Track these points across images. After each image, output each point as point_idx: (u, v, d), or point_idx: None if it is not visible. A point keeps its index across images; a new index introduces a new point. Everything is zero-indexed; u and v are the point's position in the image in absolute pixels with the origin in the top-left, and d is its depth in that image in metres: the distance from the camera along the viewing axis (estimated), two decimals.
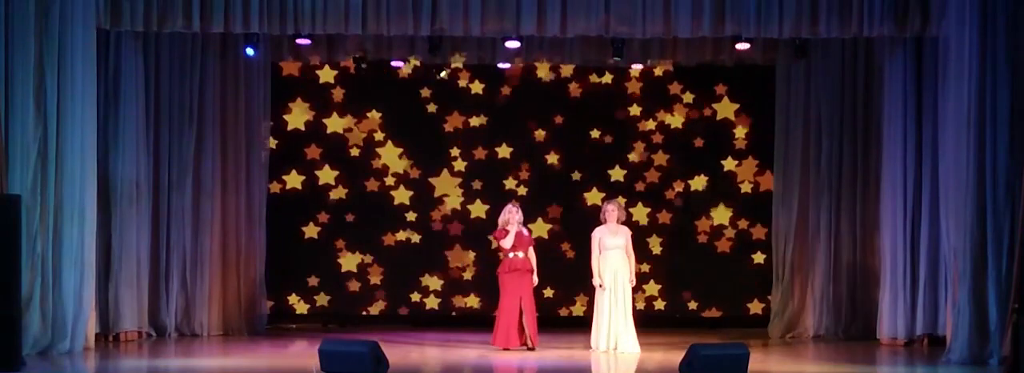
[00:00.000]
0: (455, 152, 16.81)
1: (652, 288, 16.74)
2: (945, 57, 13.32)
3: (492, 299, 16.57)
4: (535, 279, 14.10)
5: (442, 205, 16.83)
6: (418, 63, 16.39)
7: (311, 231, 16.72)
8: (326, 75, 16.73)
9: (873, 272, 15.24)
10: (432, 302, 16.81)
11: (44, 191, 12.95)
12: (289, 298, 16.71)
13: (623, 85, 16.82)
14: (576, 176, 16.83)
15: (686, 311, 16.83)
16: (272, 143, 16.36)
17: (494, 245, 14.56)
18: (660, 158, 16.85)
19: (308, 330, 16.15)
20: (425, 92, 16.78)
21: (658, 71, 16.67)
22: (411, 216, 16.79)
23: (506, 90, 16.81)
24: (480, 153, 16.81)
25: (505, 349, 13.81)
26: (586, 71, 16.69)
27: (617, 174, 16.82)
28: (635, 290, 14.38)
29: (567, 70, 16.73)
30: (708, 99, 16.84)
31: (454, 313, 16.81)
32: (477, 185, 16.82)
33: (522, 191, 16.70)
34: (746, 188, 16.83)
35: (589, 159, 16.85)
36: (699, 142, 16.85)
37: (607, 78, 16.75)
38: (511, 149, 16.82)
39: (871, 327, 15.05)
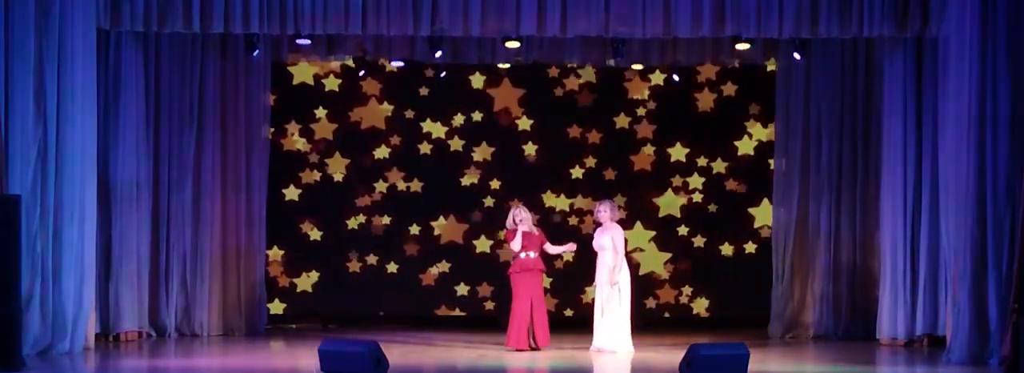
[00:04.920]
0: (455, 153, 16.80)
1: (652, 288, 16.74)
2: (945, 57, 13.32)
3: (495, 299, 16.63)
4: (561, 247, 14.21)
5: (442, 205, 16.82)
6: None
7: (311, 231, 16.71)
8: (326, 75, 16.73)
9: (873, 272, 15.24)
10: (433, 303, 16.80)
11: (44, 191, 12.95)
12: (289, 298, 16.71)
13: (622, 85, 16.81)
14: (575, 175, 16.84)
15: (686, 311, 16.83)
16: (272, 143, 16.34)
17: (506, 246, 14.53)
18: (660, 158, 16.85)
19: (308, 330, 16.16)
20: (424, 91, 16.77)
21: (660, 74, 16.67)
22: (411, 216, 16.78)
23: (503, 90, 16.81)
24: (479, 153, 16.81)
25: (518, 350, 13.81)
26: (585, 71, 16.67)
27: (615, 174, 16.85)
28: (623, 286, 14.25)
29: (561, 70, 16.74)
30: (708, 99, 16.83)
31: (454, 313, 16.80)
32: (477, 186, 16.81)
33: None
34: (745, 188, 16.82)
35: (587, 159, 16.85)
36: (699, 142, 16.85)
37: (607, 78, 16.74)
38: (508, 149, 16.81)
39: (871, 327, 15.04)
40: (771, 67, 16.10)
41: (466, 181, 16.78)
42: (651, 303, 16.70)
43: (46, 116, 12.97)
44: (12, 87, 12.75)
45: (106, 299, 14.41)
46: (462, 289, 16.77)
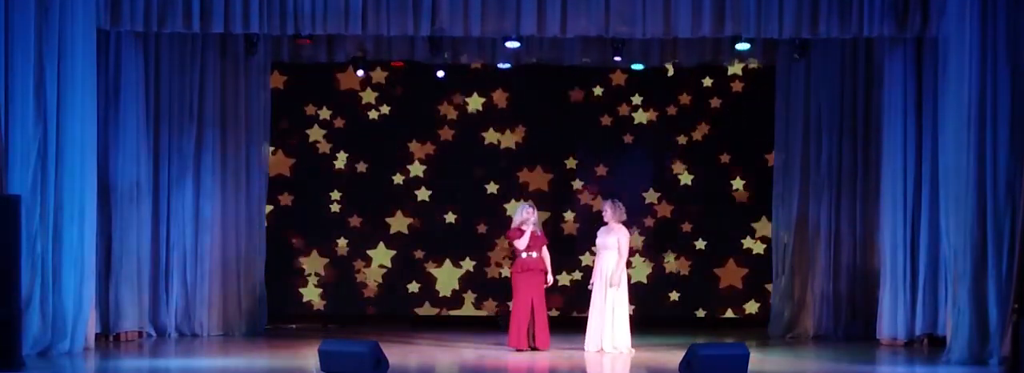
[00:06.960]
0: (455, 153, 16.80)
1: (651, 289, 16.74)
2: (945, 57, 13.31)
3: (494, 300, 16.63)
4: (550, 279, 14.11)
5: (443, 206, 16.82)
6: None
7: (311, 231, 16.71)
8: (326, 75, 16.73)
9: (873, 272, 15.23)
10: (433, 303, 16.80)
11: (44, 191, 12.95)
12: (288, 299, 16.71)
13: (622, 84, 16.81)
14: (570, 172, 16.86)
15: (684, 311, 16.82)
16: (272, 142, 16.34)
17: (507, 245, 14.49)
18: (659, 158, 16.85)
19: (308, 330, 16.15)
20: (424, 90, 16.77)
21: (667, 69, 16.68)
22: (412, 217, 16.79)
23: (502, 91, 16.83)
24: (480, 153, 16.81)
25: (519, 350, 13.81)
26: (586, 69, 16.67)
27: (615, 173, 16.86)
28: (618, 285, 14.21)
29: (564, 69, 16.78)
30: (708, 98, 16.84)
31: (454, 314, 16.80)
32: (479, 186, 16.82)
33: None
34: (745, 188, 16.83)
35: (585, 158, 16.87)
36: (698, 141, 16.85)
37: (607, 76, 16.75)
38: (514, 150, 16.82)
39: (871, 327, 15.04)
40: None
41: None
42: (650, 303, 16.69)
43: (46, 116, 12.96)
44: (12, 87, 12.75)
45: (106, 299, 14.40)
46: (466, 288, 16.80)
